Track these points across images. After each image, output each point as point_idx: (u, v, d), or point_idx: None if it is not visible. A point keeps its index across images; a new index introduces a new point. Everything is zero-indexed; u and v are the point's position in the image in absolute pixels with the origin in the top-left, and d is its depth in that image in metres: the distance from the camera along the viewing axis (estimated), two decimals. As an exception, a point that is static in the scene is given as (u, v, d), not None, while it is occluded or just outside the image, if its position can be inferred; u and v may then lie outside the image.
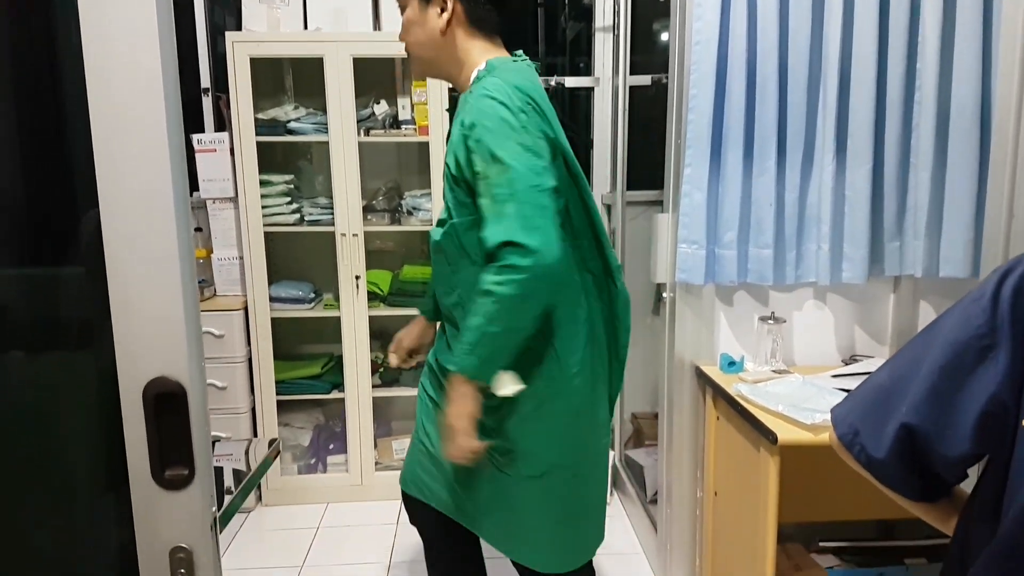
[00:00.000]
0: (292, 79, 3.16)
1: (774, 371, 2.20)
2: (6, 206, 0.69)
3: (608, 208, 3.42)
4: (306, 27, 3.01)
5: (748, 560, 1.91)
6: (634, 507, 2.92)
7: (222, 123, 3.16)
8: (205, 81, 3.21)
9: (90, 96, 0.61)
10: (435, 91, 2.92)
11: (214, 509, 0.67)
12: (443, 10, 1.51)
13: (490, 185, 1.33)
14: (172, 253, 0.63)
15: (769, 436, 1.74)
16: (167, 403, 0.64)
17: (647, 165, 3.46)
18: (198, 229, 3.17)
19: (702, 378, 2.26)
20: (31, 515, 0.72)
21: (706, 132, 2.14)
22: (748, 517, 1.91)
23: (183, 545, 0.65)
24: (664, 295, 2.38)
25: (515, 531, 1.61)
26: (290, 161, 3.19)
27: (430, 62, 1.59)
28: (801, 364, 2.34)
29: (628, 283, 3.14)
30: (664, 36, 3.63)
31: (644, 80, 3.41)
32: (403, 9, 1.58)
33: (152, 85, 0.62)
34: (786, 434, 1.73)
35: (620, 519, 2.96)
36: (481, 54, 1.54)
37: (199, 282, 3.04)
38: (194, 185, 3.05)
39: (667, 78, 2.33)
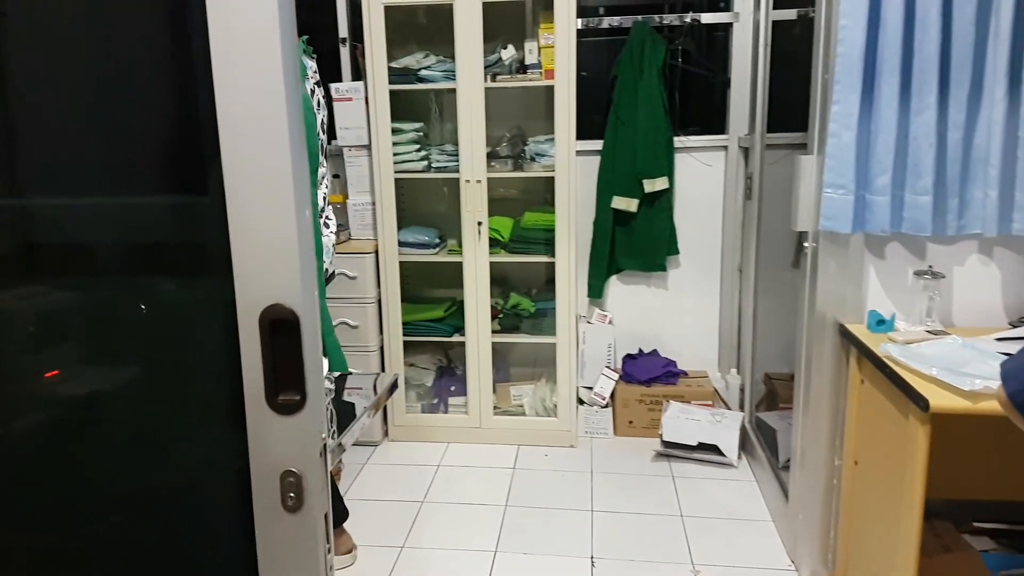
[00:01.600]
0: (424, 26, 3.16)
1: (929, 331, 2.00)
2: (133, 137, 0.71)
3: (745, 151, 3.23)
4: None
5: (890, 536, 1.78)
6: (764, 472, 2.80)
7: (358, 73, 3.22)
8: (343, 31, 3.28)
9: (211, 27, 0.60)
10: (563, 34, 2.83)
11: (324, 436, 0.67)
12: None
13: None
14: (286, 186, 0.62)
15: (919, 402, 1.59)
16: (281, 330, 0.65)
17: (788, 106, 3.22)
18: (336, 176, 3.28)
19: (846, 337, 2.10)
20: (154, 431, 0.75)
21: (857, 65, 1.94)
22: (892, 490, 1.77)
23: (293, 469, 0.66)
24: (805, 245, 2.21)
25: None
26: (420, 109, 3.22)
27: None
28: (960, 325, 2.11)
29: (765, 231, 2.93)
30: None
31: (789, 14, 3.15)
32: None
33: (266, 14, 0.60)
34: (939, 400, 1.56)
35: (748, 484, 2.85)
36: None
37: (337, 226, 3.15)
38: (333, 134, 3.15)
39: (813, 12, 2.12)
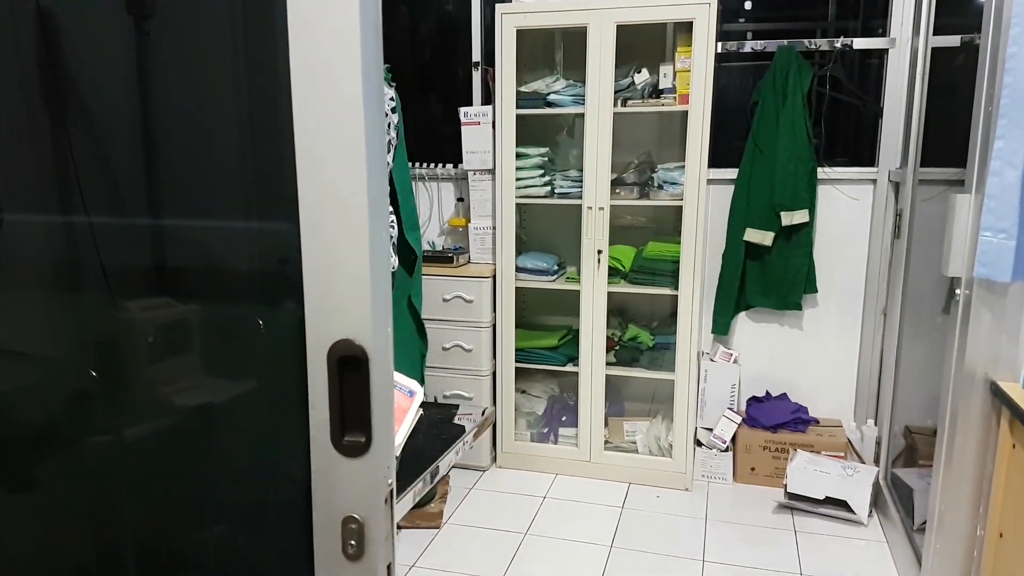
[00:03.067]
0: (556, 50, 3.17)
1: (1104, 400, 1.73)
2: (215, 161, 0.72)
3: (896, 186, 2.97)
4: (570, -4, 2.98)
5: (1043, 631, 1.54)
6: (896, 534, 2.54)
7: (489, 97, 3.27)
8: (476, 55, 3.35)
9: (292, 59, 0.61)
10: (700, 57, 2.73)
11: (390, 481, 0.65)
12: None
13: None
14: (362, 219, 0.61)
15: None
16: (350, 367, 0.63)
17: (945, 140, 2.95)
18: (460, 199, 3.35)
19: (998, 396, 1.86)
20: (218, 464, 0.76)
21: (1029, 97, 1.72)
22: (1048, 578, 1.53)
23: (356, 515, 0.64)
24: (957, 292, 1.99)
25: None
26: (549, 133, 3.22)
27: None
28: None
29: (914, 272, 2.71)
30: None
31: (951, 41, 2.89)
32: None
33: (349, 39, 0.59)
34: (1116, 485, 1.34)
35: (878, 545, 2.60)
36: None
37: (455, 249, 3.21)
38: (459, 157, 3.22)
39: (979, 39, 1.92)
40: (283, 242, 0.65)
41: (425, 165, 3.42)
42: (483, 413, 1.38)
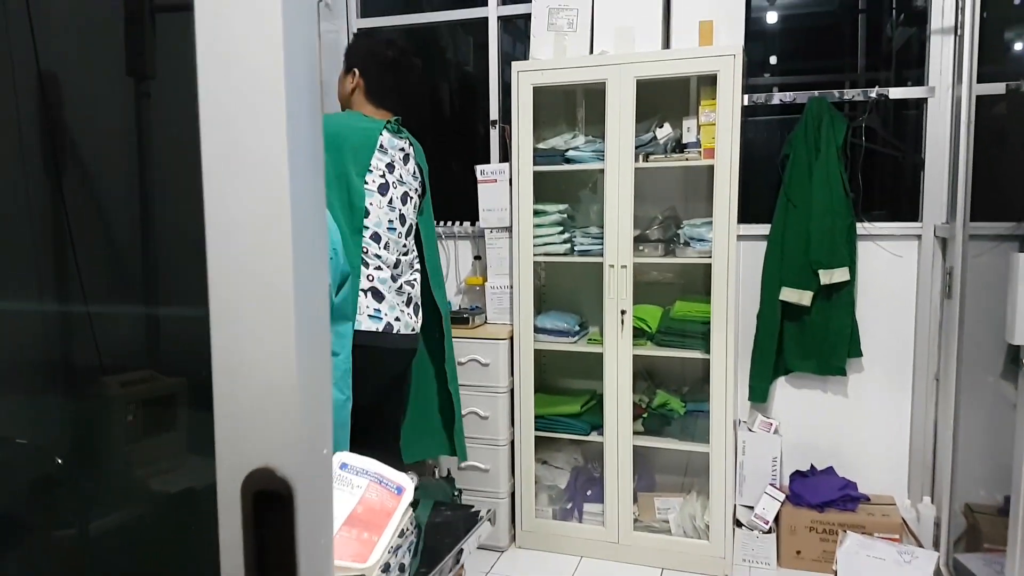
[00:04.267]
0: (577, 106, 3.07)
1: None
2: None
3: (943, 241, 2.77)
4: (592, 51, 2.90)
5: None
6: (965, 632, 2.25)
7: (507, 154, 3.17)
8: (494, 113, 3.26)
9: (201, 104, 0.46)
10: (726, 110, 2.60)
11: (328, 658, 0.47)
12: (351, 79, 2.30)
13: None
14: (286, 305, 0.45)
15: None
16: (270, 505, 0.46)
17: (998, 191, 2.75)
18: (477, 257, 3.21)
19: (1086, 483, 1.62)
20: None
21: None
22: None
23: None
24: (1023, 360, 1.78)
25: None
26: (568, 190, 3.09)
27: (342, 107, 2.35)
28: None
29: (969, 334, 2.52)
30: (1019, 43, 2.88)
31: (996, 88, 2.72)
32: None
33: (271, 82, 0.44)
34: None
35: (943, 642, 2.30)
36: (360, 110, 2.30)
37: (472, 309, 3.06)
38: (476, 215, 3.10)
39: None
40: (190, 335, 0.49)
41: (442, 223, 3.30)
42: (481, 515, 1.18)
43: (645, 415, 2.88)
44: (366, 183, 2.16)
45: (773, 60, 3.31)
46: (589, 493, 2.93)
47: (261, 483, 0.46)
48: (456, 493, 2.78)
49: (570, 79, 2.80)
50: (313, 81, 0.48)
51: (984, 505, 2.72)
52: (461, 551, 1.10)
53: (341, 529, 0.94)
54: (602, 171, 2.75)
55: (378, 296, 2.16)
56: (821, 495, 2.79)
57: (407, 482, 1.09)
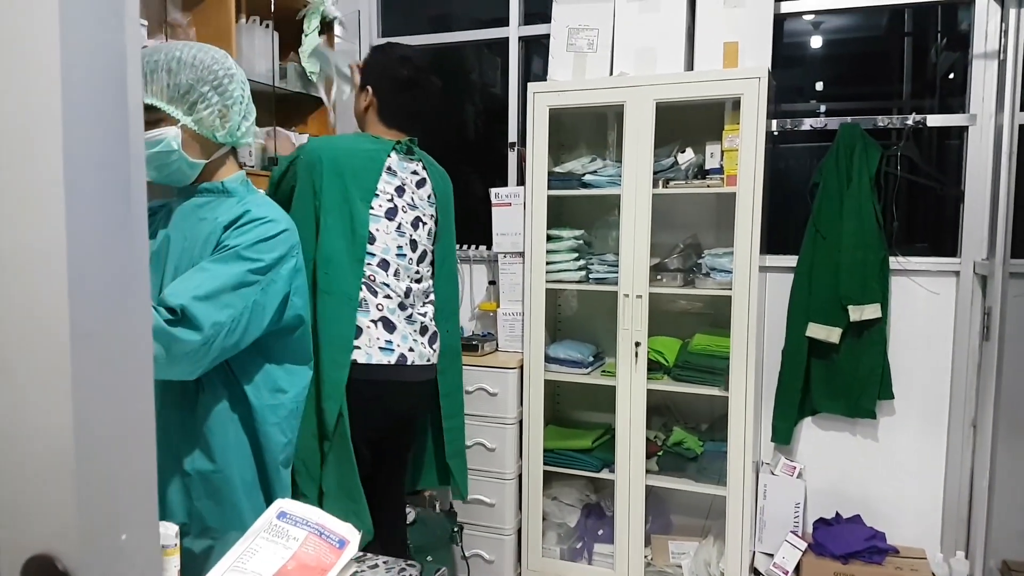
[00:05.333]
0: (603, 130, 2.98)
1: None
2: None
3: (983, 279, 2.60)
4: (611, 72, 2.82)
5: None
6: None
7: (523, 177, 3.10)
8: (512, 135, 3.20)
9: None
10: (750, 135, 2.49)
11: None
12: (365, 97, 2.19)
13: None
14: (62, 357, 0.37)
15: None
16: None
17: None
18: (492, 282, 3.14)
19: None
20: None
21: None
22: None
23: None
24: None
25: None
26: (585, 215, 2.99)
27: (358, 126, 2.25)
28: None
29: (1008, 379, 2.41)
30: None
31: (1045, 115, 2.55)
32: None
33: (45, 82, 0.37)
34: None
35: None
36: (372, 132, 2.19)
37: (483, 335, 2.97)
38: (490, 239, 3.03)
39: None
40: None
41: (459, 247, 3.24)
42: None
43: (660, 453, 2.75)
44: (372, 208, 2.03)
45: (819, 86, 3.18)
46: (600, 533, 2.80)
47: (41, 572, 0.38)
48: (457, 529, 2.68)
49: (587, 101, 2.72)
50: (118, 92, 0.40)
51: (1022, 562, 2.51)
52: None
53: (262, 588, 0.86)
54: (619, 196, 2.66)
55: (389, 327, 2.02)
56: (846, 545, 2.61)
57: (352, 535, 1.01)
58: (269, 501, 1.44)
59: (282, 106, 2.81)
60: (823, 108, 3.10)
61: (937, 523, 2.73)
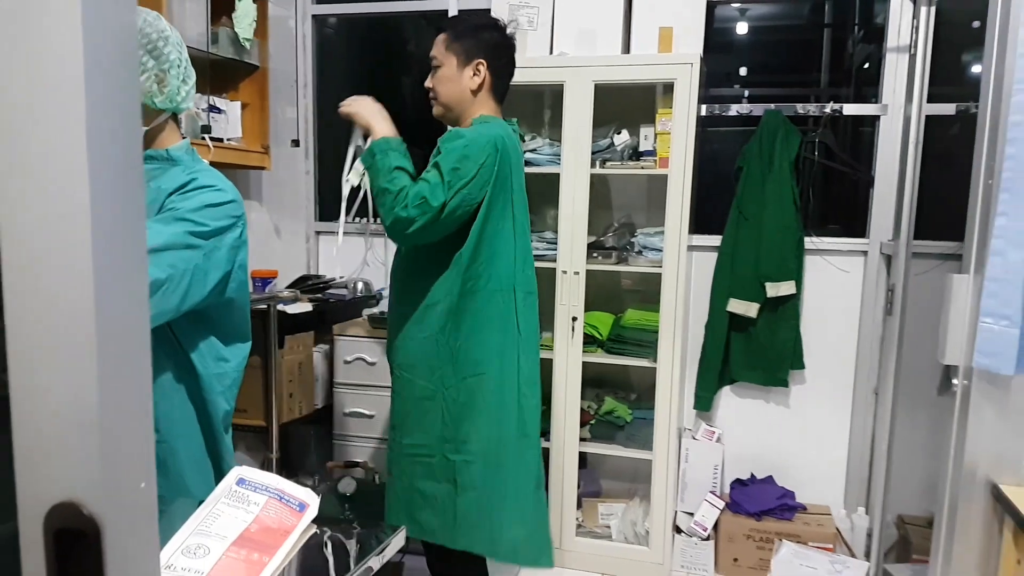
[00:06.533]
0: (543, 108, 3.04)
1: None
2: None
3: (888, 259, 2.81)
4: (551, 52, 2.88)
5: None
6: (890, 644, 2.29)
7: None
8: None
9: None
10: (681, 120, 2.60)
11: None
12: (475, 75, 1.95)
13: (430, 167, 1.84)
14: (86, 314, 0.42)
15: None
16: (74, 544, 0.44)
17: (942, 211, 2.80)
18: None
19: (1001, 502, 1.65)
20: None
21: (1033, 172, 1.57)
22: None
23: None
24: (955, 382, 1.80)
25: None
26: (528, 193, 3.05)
27: (451, 110, 2.00)
28: None
29: (908, 351, 2.63)
30: (975, 65, 2.93)
31: (946, 109, 2.77)
32: (439, 66, 1.97)
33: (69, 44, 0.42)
34: None
35: (870, 654, 2.34)
36: (486, 112, 1.98)
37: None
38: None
39: (975, 107, 1.79)
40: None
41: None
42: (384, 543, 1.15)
43: (592, 422, 2.88)
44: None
45: (743, 71, 3.33)
46: (533, 497, 2.92)
47: (64, 520, 0.44)
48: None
49: (527, 79, 2.76)
50: (131, 66, 0.45)
51: (916, 517, 2.78)
52: (367, 568, 1.08)
53: (229, 550, 0.92)
54: (558, 175, 2.74)
55: None
56: (759, 503, 2.82)
57: (311, 498, 1.07)
58: (217, 468, 1.48)
59: (215, 73, 2.76)
60: (747, 93, 3.25)
61: (841, 482, 2.97)
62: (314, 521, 1.07)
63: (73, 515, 0.44)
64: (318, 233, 3.48)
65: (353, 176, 1.92)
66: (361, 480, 2.79)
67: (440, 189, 1.77)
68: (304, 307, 2.92)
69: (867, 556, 2.71)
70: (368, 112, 1.91)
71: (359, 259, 3.42)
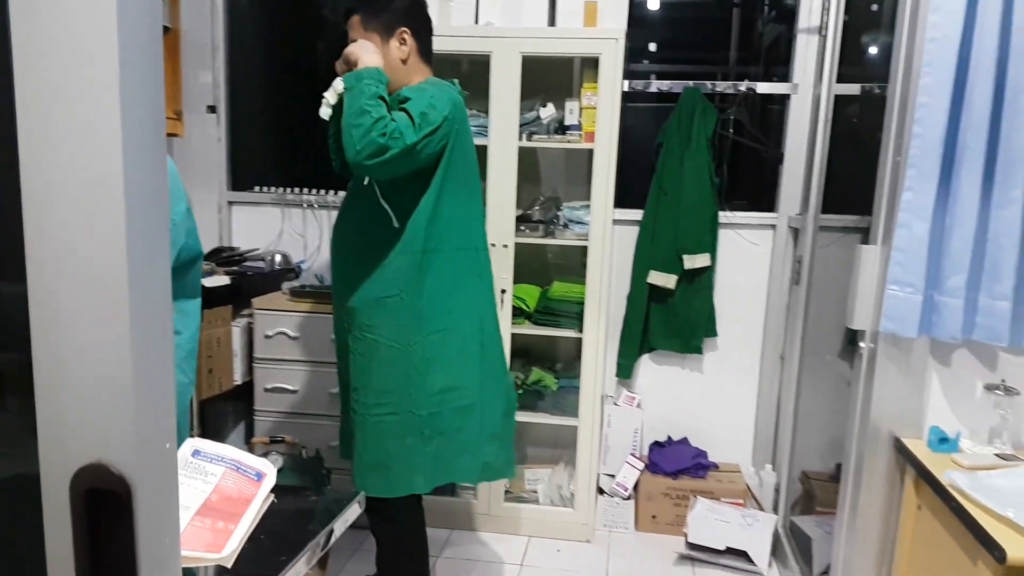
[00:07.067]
0: (463, 78, 3.01)
1: (999, 455, 1.72)
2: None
3: (796, 232, 2.98)
4: (477, 22, 2.86)
5: None
6: (797, 587, 2.48)
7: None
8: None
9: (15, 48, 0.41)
10: (607, 95, 2.65)
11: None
12: (402, 44, 1.94)
13: (395, 112, 1.81)
14: (120, 287, 0.41)
15: (994, 551, 1.31)
16: (104, 505, 0.43)
17: (845, 187, 2.99)
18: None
19: (902, 454, 1.82)
20: None
21: (935, 150, 1.72)
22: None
23: None
24: (861, 345, 1.95)
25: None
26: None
27: (388, 86, 1.91)
28: (1036, 451, 1.82)
29: (813, 317, 2.75)
30: (873, 47, 3.13)
31: (852, 89, 2.94)
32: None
33: (102, 33, 0.40)
34: (1018, 551, 1.29)
35: (778, 598, 2.53)
36: (422, 76, 2.00)
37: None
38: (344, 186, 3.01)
39: (880, 87, 1.92)
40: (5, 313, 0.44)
41: (317, 192, 3.21)
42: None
43: (520, 391, 2.93)
44: None
45: (653, 47, 3.41)
46: (461, 466, 2.96)
47: (94, 481, 0.43)
48: (325, 472, 2.73)
49: (452, 48, 2.74)
50: (155, 23, 0.44)
51: (818, 472, 2.99)
52: (331, 533, 1.08)
53: (194, 519, 0.90)
54: (485, 147, 2.74)
55: None
56: (676, 463, 2.96)
57: (268, 468, 1.05)
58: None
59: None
60: (660, 70, 3.34)
61: (750, 442, 3.16)
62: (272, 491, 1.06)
63: (102, 475, 0.43)
64: (231, 203, 3.35)
65: (330, 94, 1.86)
66: (287, 456, 2.74)
67: (411, 130, 1.78)
68: (221, 280, 2.82)
69: (775, 509, 2.90)
70: (366, 50, 1.87)
71: (275, 231, 3.32)
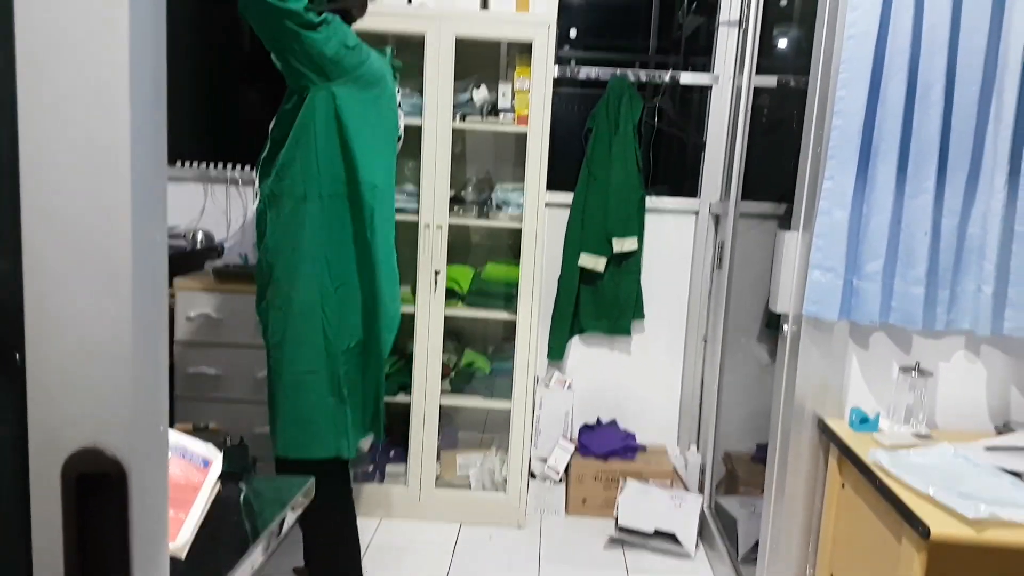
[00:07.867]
0: (397, 57, 2.95)
1: (916, 435, 1.84)
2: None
3: (716, 219, 3.09)
4: (410, 2, 2.81)
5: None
6: (723, 566, 2.58)
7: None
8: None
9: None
10: (539, 80, 2.66)
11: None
12: None
13: None
14: (123, 262, 0.39)
15: (918, 527, 1.40)
16: (97, 489, 0.41)
17: (764, 176, 3.12)
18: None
19: (826, 433, 1.92)
20: None
21: (854, 141, 1.81)
22: (874, 612, 1.57)
23: None
24: (785, 328, 2.04)
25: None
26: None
27: None
28: (944, 427, 1.96)
29: (733, 303, 2.81)
30: (786, 40, 3.26)
31: (769, 81, 3.06)
32: None
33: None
34: (941, 527, 1.37)
35: None
36: None
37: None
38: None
39: (796, 80, 2.01)
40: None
41: (238, 167, 3.09)
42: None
43: (453, 374, 2.93)
44: None
45: (573, 33, 3.45)
46: (392, 454, 2.94)
47: (86, 465, 0.41)
48: (252, 460, 2.65)
49: (386, 27, 2.69)
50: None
51: (740, 453, 3.12)
52: (284, 521, 1.06)
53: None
54: (419, 127, 2.71)
55: None
56: (606, 446, 3.03)
57: (214, 454, 1.02)
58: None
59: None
60: (582, 56, 3.38)
61: (675, 423, 3.27)
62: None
63: (96, 459, 0.41)
64: (147, 182, 3.18)
65: None
66: (213, 443, 2.65)
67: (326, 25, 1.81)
68: (138, 262, 2.68)
69: (700, 489, 3.01)
70: None
71: (197, 208, 3.18)
